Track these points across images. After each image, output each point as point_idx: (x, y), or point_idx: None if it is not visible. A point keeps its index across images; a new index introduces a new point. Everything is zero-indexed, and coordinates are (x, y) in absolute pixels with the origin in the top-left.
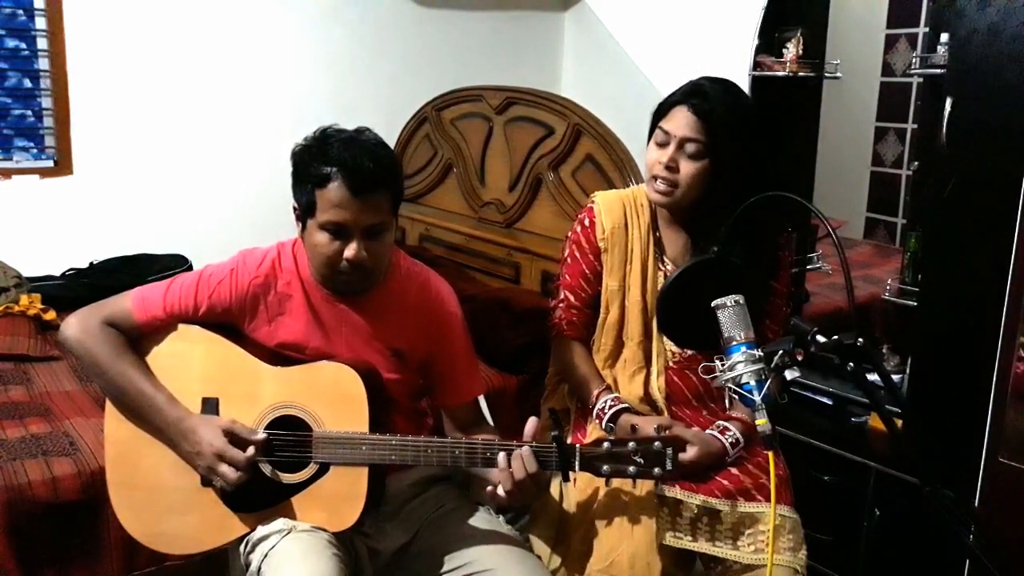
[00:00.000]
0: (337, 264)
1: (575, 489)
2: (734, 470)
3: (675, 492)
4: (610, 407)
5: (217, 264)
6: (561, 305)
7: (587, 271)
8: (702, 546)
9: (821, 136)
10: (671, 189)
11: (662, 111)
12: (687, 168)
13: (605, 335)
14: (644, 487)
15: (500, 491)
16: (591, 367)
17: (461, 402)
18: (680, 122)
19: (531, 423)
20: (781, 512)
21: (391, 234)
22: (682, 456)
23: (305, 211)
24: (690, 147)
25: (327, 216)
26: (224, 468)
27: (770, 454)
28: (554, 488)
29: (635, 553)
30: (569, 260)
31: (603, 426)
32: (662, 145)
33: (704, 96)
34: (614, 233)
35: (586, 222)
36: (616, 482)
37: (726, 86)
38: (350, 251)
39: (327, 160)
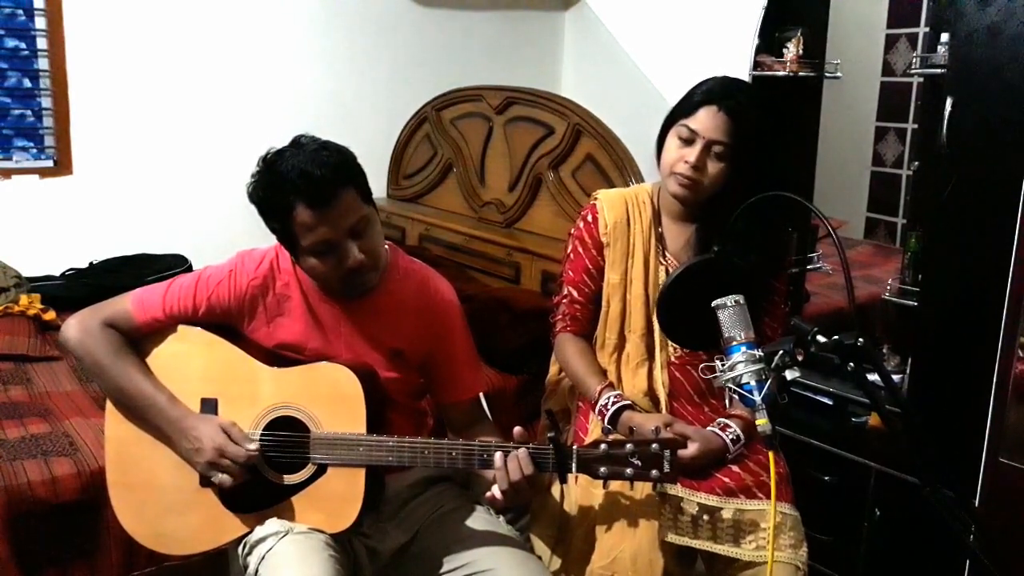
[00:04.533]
0: (340, 275)
1: (576, 488)
2: (735, 467)
3: (676, 490)
4: (612, 403)
5: (216, 265)
6: (564, 301)
7: (590, 266)
8: (704, 544)
9: (821, 136)
10: (694, 185)
11: (686, 108)
12: (713, 169)
13: (608, 329)
14: (644, 487)
15: (496, 492)
16: (593, 363)
17: (462, 399)
18: (709, 123)
19: (518, 432)
20: (782, 510)
21: (377, 223)
22: (683, 453)
23: (288, 242)
24: (717, 148)
25: (308, 241)
26: (226, 464)
27: (770, 454)
28: (555, 488)
29: (637, 551)
30: (572, 256)
31: (604, 424)
32: (687, 142)
33: (735, 98)
34: (616, 228)
35: (589, 218)
36: (615, 484)
37: (749, 89)
38: (347, 259)
39: (281, 188)
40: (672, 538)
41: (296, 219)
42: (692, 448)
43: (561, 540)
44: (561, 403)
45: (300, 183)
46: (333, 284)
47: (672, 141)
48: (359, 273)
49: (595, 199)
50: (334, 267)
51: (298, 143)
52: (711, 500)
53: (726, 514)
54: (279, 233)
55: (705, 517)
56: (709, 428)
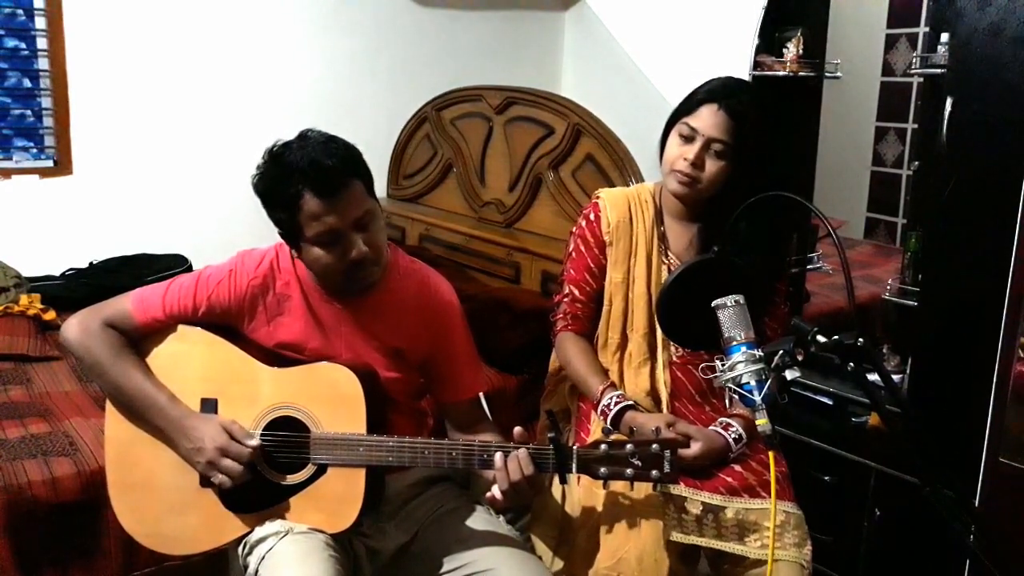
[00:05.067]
0: (344, 269)
1: (579, 488)
2: (737, 467)
3: (679, 490)
4: (615, 403)
5: (216, 265)
6: (565, 300)
7: (592, 265)
8: (709, 542)
9: (821, 136)
10: (692, 183)
11: (689, 106)
12: (712, 167)
13: (611, 328)
14: (646, 487)
15: (496, 492)
16: (595, 362)
17: (462, 399)
18: (710, 121)
19: (518, 432)
20: (785, 508)
21: (380, 219)
22: (686, 452)
23: (292, 234)
24: (717, 147)
25: (314, 231)
26: (227, 463)
27: (771, 454)
28: (556, 489)
29: (643, 550)
30: (574, 255)
31: (606, 424)
32: (688, 140)
33: (737, 98)
34: (619, 227)
35: (591, 216)
36: (616, 484)
37: (752, 90)
38: (352, 252)
39: (288, 178)
40: (677, 537)
41: (303, 208)
42: (695, 447)
43: (563, 541)
44: (561, 403)
45: (310, 171)
46: (335, 277)
47: (674, 139)
48: (362, 266)
49: (597, 197)
50: (338, 259)
51: (305, 136)
52: (714, 499)
53: (729, 513)
54: (283, 223)
55: (709, 516)
56: (711, 427)
